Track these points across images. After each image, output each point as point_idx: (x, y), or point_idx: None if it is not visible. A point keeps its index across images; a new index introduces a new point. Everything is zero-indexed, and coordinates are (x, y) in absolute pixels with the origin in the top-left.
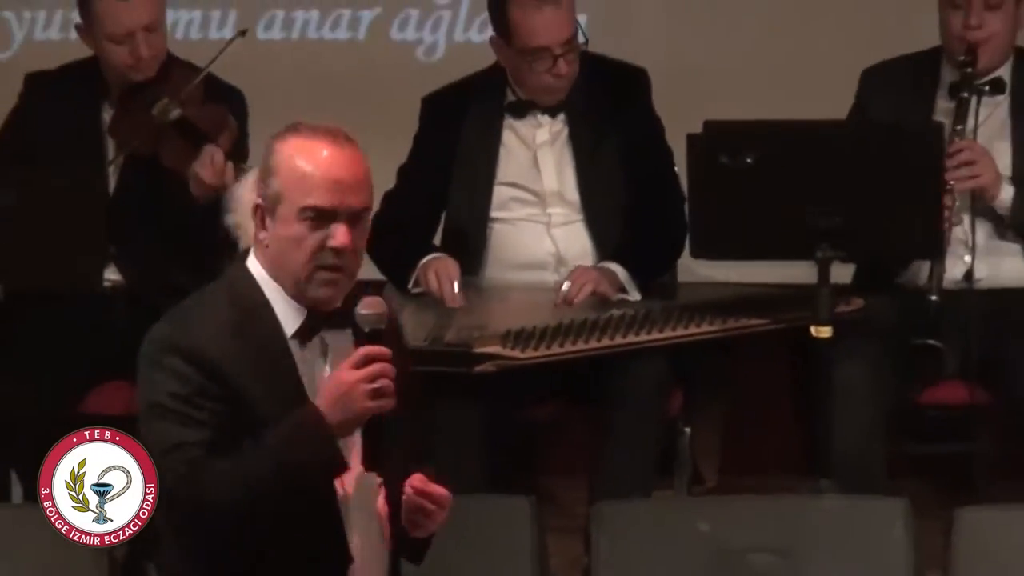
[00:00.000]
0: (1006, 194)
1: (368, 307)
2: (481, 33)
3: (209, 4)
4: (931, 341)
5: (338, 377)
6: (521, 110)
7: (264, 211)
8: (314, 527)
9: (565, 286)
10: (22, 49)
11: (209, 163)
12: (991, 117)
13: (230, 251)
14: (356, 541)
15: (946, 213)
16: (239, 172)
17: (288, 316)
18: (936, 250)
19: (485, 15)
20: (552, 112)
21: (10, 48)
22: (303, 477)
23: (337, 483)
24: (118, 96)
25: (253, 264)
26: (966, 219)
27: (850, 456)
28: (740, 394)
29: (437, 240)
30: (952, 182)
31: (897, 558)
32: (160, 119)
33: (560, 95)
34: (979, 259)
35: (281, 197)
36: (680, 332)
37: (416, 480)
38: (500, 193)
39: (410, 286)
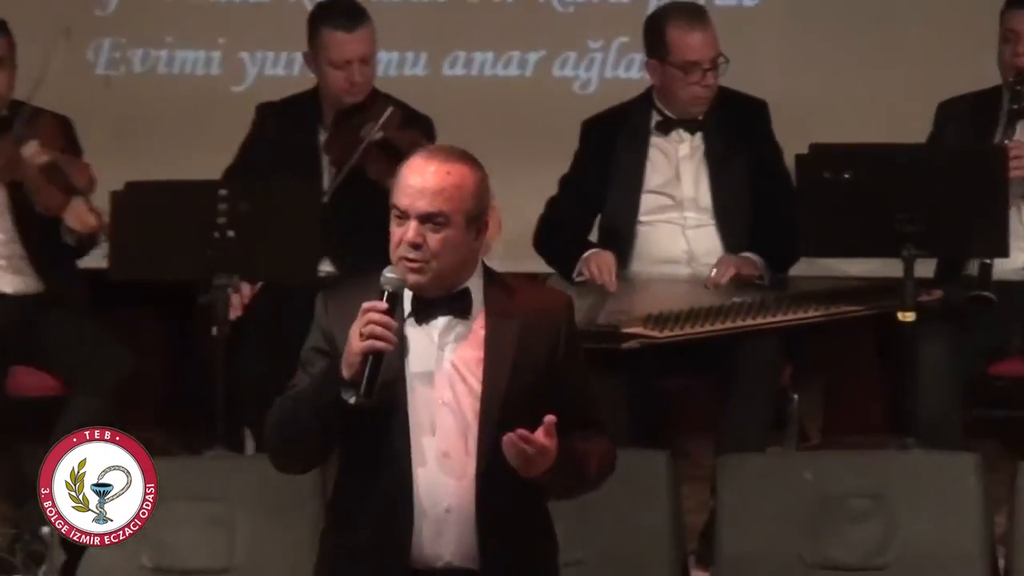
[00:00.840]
0: None
1: (392, 272)
2: (627, 71)
3: (404, 46)
4: (985, 293)
5: None
6: (666, 128)
7: None
8: (371, 461)
9: (713, 272)
10: (255, 83)
11: None
12: None
13: None
14: (437, 490)
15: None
16: None
17: (408, 299)
18: (1001, 250)
19: (630, 56)
20: (692, 130)
21: (245, 82)
22: (308, 404)
23: (431, 434)
24: (332, 120)
25: None
26: (1018, 218)
27: (931, 418)
28: (838, 368)
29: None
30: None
31: (971, 503)
32: (367, 139)
33: (704, 107)
34: None
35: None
36: (789, 317)
37: (519, 432)
38: (646, 200)
39: (574, 276)
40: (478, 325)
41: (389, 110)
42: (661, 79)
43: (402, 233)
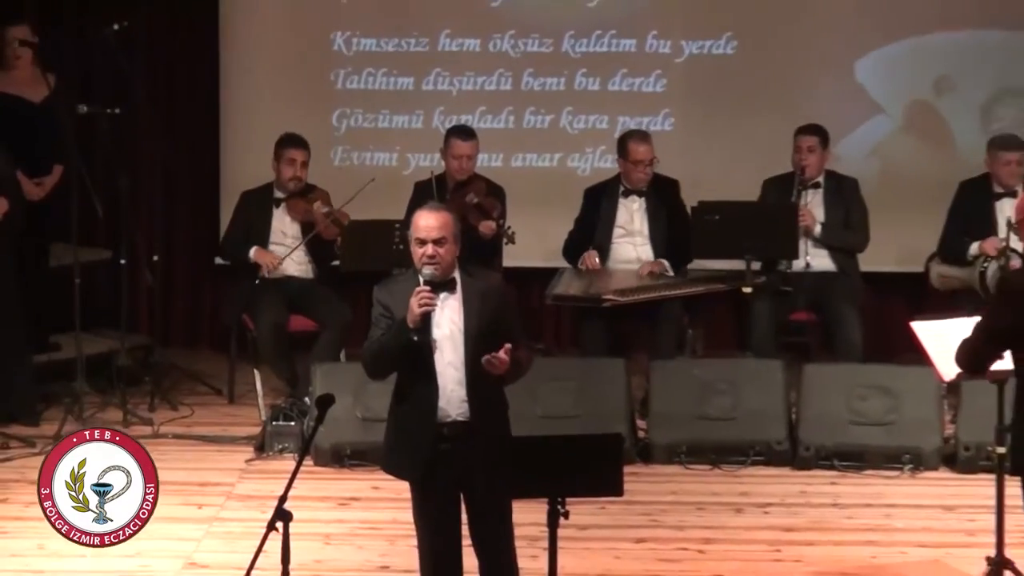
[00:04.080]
0: (818, 230)
1: (426, 271)
2: (604, 164)
3: (492, 150)
4: (785, 288)
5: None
6: (627, 194)
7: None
8: (417, 369)
9: (641, 268)
10: (414, 170)
11: (487, 225)
12: (814, 199)
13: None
14: (446, 380)
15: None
16: (500, 229)
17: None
18: (794, 255)
19: (607, 156)
20: (640, 195)
21: (409, 170)
22: (390, 343)
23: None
24: (451, 189)
25: None
26: (802, 241)
27: (761, 341)
28: (713, 315)
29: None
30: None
31: (778, 386)
32: (469, 202)
33: (645, 184)
34: (810, 257)
35: (411, 235)
36: (687, 290)
37: (491, 354)
38: (615, 231)
39: (578, 265)
40: (459, 294)
41: (481, 186)
42: (624, 168)
43: (423, 251)
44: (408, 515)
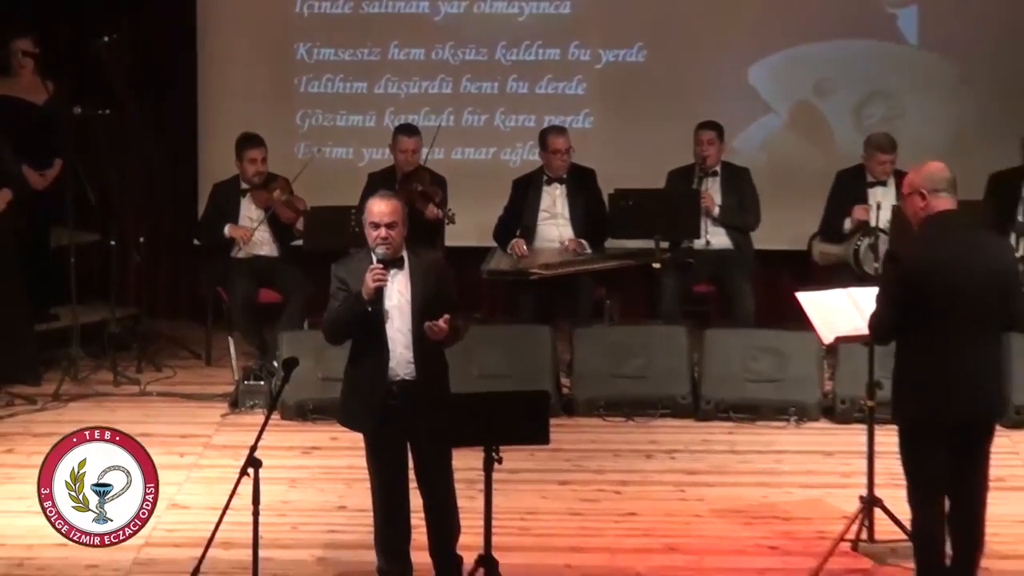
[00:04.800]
0: (716, 212)
1: (380, 251)
2: (531, 156)
3: (436, 144)
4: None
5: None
6: (550, 181)
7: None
8: (370, 335)
9: (566, 243)
10: (367, 163)
11: (431, 209)
12: (712, 186)
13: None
14: (395, 344)
15: (703, 216)
16: (442, 212)
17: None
18: (696, 235)
19: (534, 151)
20: (560, 182)
21: (363, 162)
22: (347, 313)
23: (387, 314)
24: (400, 179)
25: None
26: (703, 222)
27: (668, 309)
28: (626, 287)
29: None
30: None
31: (681, 347)
32: (415, 189)
33: (563, 171)
34: (710, 236)
35: (365, 219)
36: (604, 265)
37: (431, 322)
38: (540, 214)
39: (507, 250)
40: (406, 270)
41: (425, 175)
42: (545, 159)
43: (377, 233)
44: (362, 462)
